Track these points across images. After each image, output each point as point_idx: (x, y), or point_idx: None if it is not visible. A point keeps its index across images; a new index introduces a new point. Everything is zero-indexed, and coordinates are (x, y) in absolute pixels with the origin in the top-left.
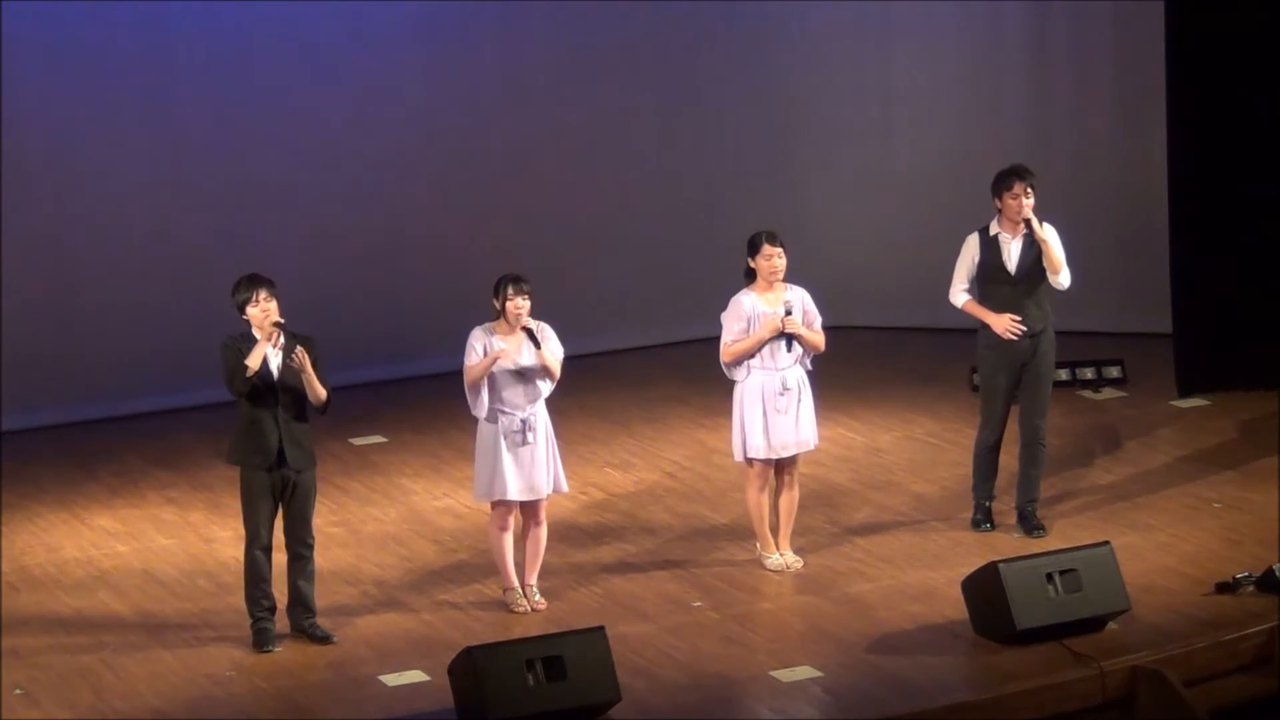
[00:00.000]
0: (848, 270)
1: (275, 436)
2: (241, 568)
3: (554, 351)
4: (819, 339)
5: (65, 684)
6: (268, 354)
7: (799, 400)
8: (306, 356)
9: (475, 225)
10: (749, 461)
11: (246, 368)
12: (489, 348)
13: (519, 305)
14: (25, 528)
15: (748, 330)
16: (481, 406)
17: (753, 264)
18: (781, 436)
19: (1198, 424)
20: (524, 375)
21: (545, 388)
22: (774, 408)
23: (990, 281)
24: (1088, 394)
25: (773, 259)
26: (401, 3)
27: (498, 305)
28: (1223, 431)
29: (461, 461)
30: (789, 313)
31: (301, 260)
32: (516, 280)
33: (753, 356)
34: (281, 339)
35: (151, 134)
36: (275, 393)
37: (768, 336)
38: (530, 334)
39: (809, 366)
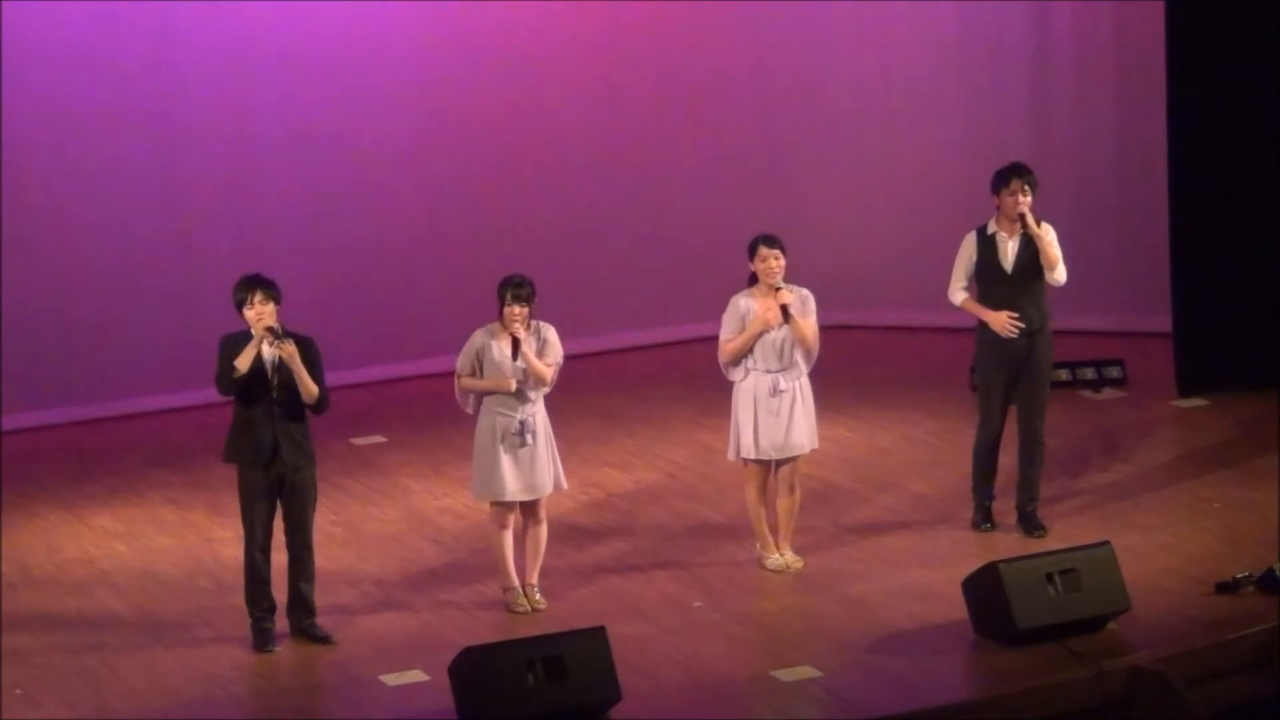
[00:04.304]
0: (847, 270)
1: (269, 432)
2: (242, 567)
3: (549, 358)
4: (810, 332)
5: (65, 684)
6: (264, 350)
7: (794, 404)
8: (293, 346)
9: (475, 224)
10: (744, 461)
11: (235, 368)
12: (486, 350)
13: (515, 313)
14: (25, 528)
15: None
16: (471, 405)
17: (753, 267)
18: (771, 438)
19: (1198, 424)
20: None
21: (542, 390)
22: (766, 409)
23: (987, 281)
24: (1088, 394)
25: (769, 260)
26: (400, 3)
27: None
28: (1223, 431)
29: (461, 461)
30: (785, 305)
31: (302, 259)
32: (517, 285)
33: (749, 356)
34: (277, 342)
35: (152, 134)
36: (269, 390)
37: (760, 330)
38: (515, 344)
39: (806, 369)
